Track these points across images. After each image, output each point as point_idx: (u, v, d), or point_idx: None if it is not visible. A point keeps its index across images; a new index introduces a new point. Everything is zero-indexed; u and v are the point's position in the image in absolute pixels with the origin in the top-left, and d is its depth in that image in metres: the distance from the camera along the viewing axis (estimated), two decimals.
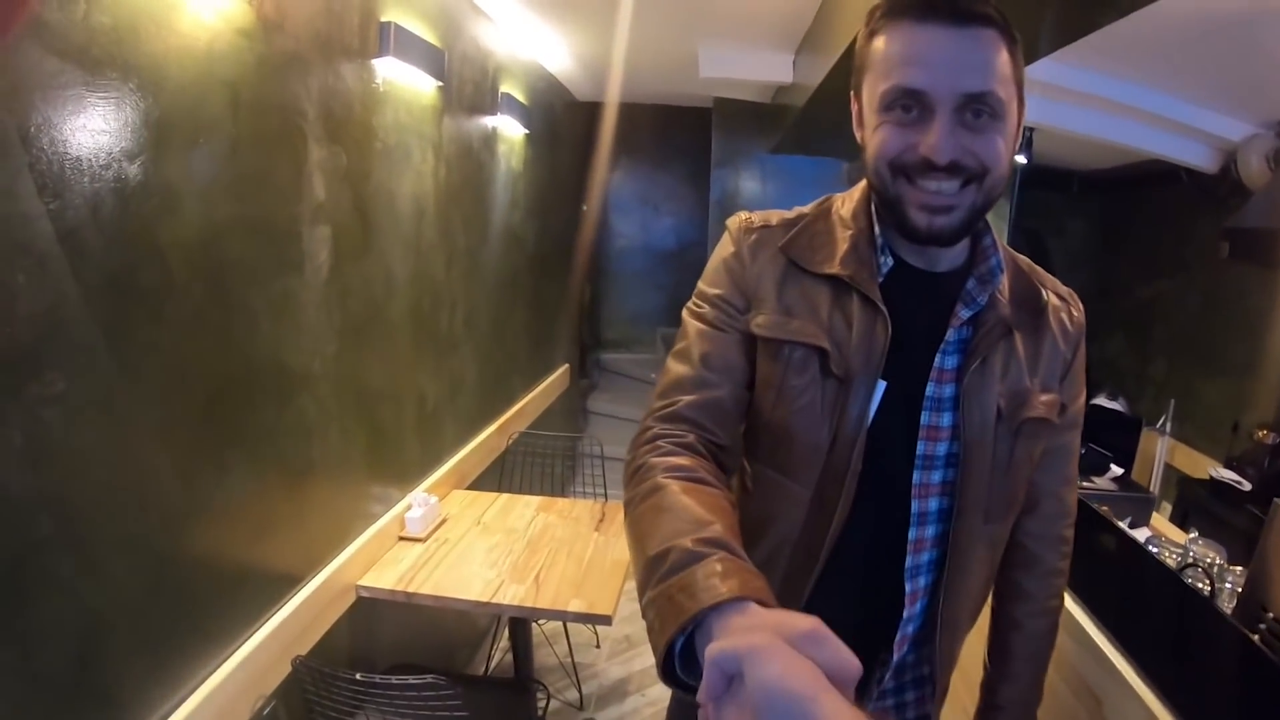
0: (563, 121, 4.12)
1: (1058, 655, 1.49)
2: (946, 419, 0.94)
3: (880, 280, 0.95)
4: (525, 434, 3.20)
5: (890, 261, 0.96)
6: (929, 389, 0.93)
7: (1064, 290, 1.07)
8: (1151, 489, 3.86)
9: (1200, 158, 3.79)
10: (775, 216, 1.04)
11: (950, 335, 0.94)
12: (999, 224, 4.47)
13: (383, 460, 2.08)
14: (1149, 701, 1.29)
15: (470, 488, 2.66)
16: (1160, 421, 3.89)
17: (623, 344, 5.86)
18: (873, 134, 0.89)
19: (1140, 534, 2.09)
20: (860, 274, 0.95)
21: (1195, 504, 3.43)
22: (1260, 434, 3.46)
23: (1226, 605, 1.58)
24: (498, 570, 2.02)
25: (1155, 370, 4.76)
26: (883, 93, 0.86)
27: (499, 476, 2.96)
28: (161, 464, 1.26)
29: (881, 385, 0.93)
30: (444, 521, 2.27)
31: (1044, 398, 0.98)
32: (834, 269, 0.96)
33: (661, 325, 5.92)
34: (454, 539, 2.19)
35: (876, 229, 0.96)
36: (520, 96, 3.08)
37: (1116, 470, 2.58)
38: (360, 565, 1.94)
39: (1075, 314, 1.05)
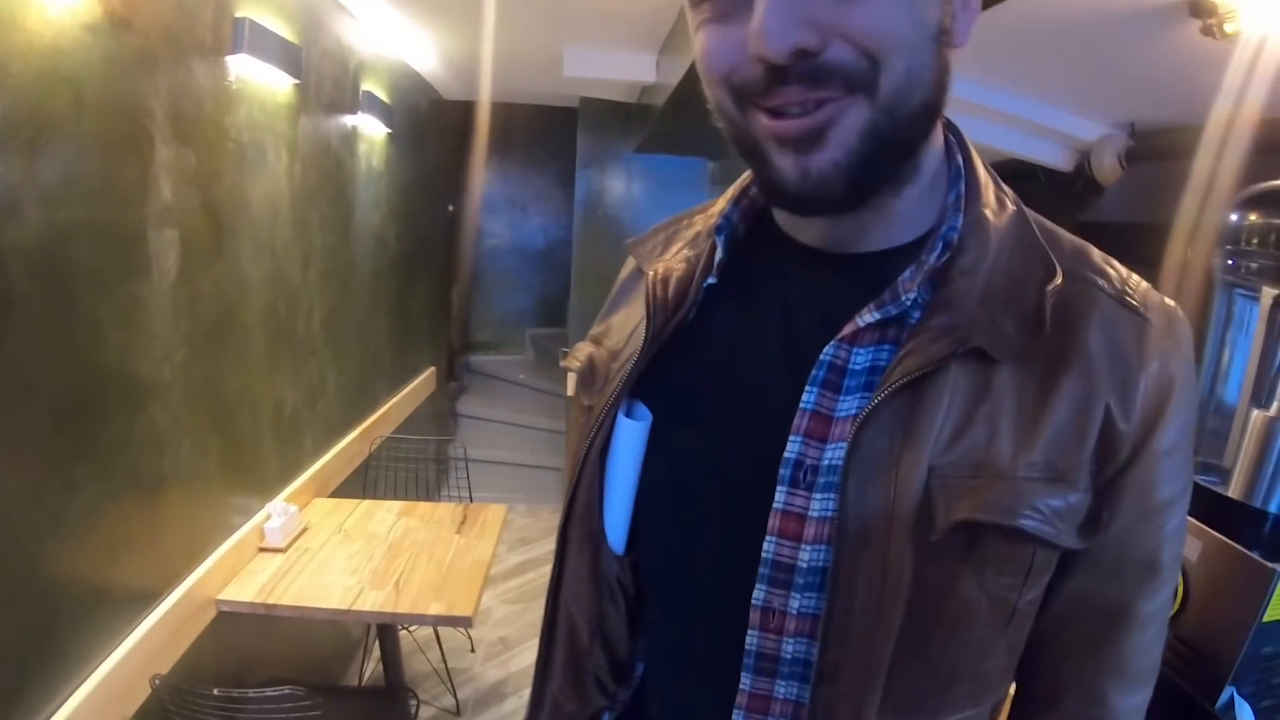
0: (429, 120, 4.07)
1: None
2: (819, 505, 0.55)
3: (716, 267, 0.64)
4: (390, 439, 3.16)
5: (729, 235, 0.64)
6: (791, 447, 0.56)
7: (1157, 306, 0.58)
8: None
9: (1056, 157, 3.94)
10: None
11: (830, 354, 0.56)
12: None
13: (240, 469, 2.02)
14: None
15: (333, 495, 2.60)
16: None
17: (493, 345, 5.83)
18: (695, 43, 0.53)
19: None
20: (668, 263, 0.67)
21: None
22: None
23: None
24: (358, 577, 2.01)
25: None
26: None
27: (363, 483, 2.90)
28: (5, 481, 1.21)
29: (630, 421, 0.63)
30: (305, 530, 2.22)
31: (1030, 488, 0.52)
32: (640, 260, 0.72)
33: (531, 326, 5.94)
34: (315, 548, 2.15)
35: (749, 192, 0.65)
36: (383, 95, 3.03)
37: None
38: (220, 579, 1.88)
39: (1168, 350, 0.56)
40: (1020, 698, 0.64)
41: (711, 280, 0.64)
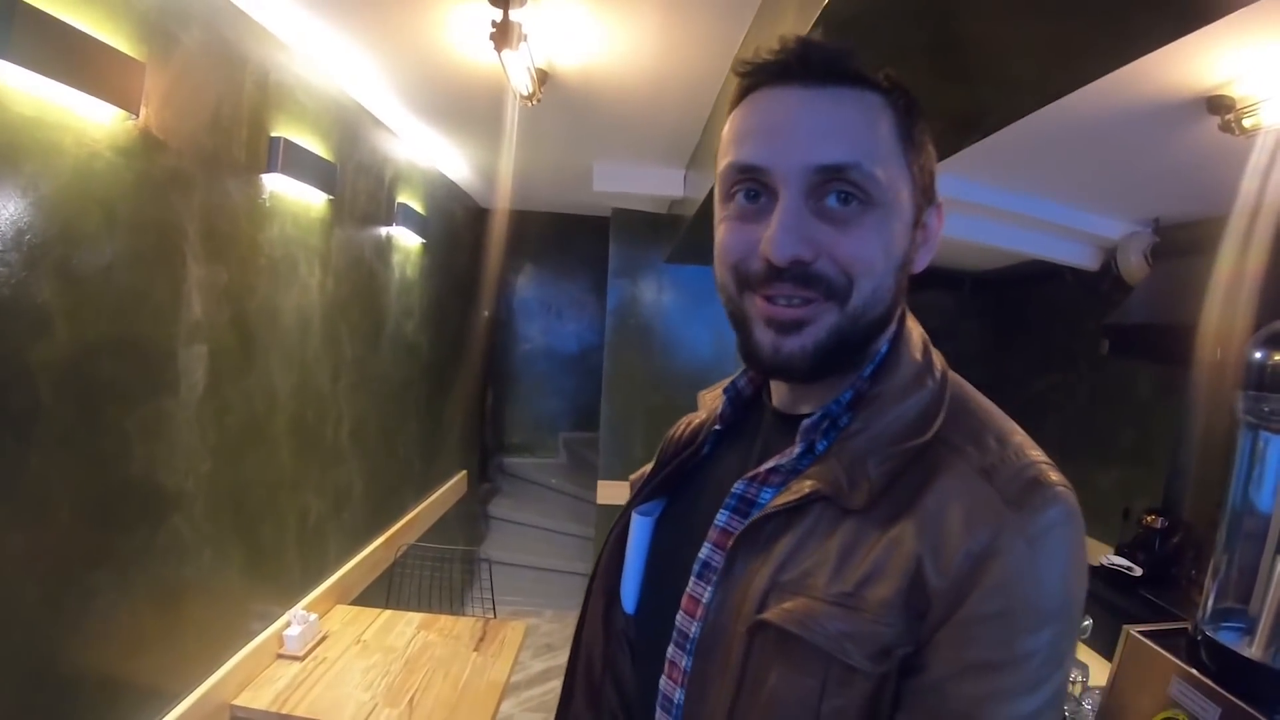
0: (463, 227, 4.22)
1: None
2: (709, 594, 0.70)
3: (720, 417, 0.82)
4: (414, 546, 3.14)
5: (734, 395, 0.82)
6: (703, 551, 0.72)
7: (1021, 482, 0.64)
8: None
9: (1083, 257, 3.97)
10: None
11: (740, 489, 0.72)
12: None
13: (262, 577, 2.02)
14: None
15: (355, 602, 2.58)
16: None
17: (526, 448, 5.84)
18: (716, 233, 0.70)
19: None
20: (703, 411, 0.87)
21: (1088, 592, 3.53)
22: (1149, 519, 3.57)
23: None
24: (373, 692, 1.97)
25: None
26: (720, 175, 0.69)
27: (387, 589, 2.88)
28: (27, 588, 1.23)
29: (641, 518, 0.82)
30: (324, 639, 2.20)
31: (831, 613, 0.61)
32: (701, 405, 0.90)
33: (564, 430, 5.95)
34: (332, 658, 2.12)
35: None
36: (418, 206, 3.15)
37: None
38: (236, 684, 1.87)
39: (1006, 524, 0.60)
40: None
41: (718, 427, 0.83)
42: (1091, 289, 4.13)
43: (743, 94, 0.69)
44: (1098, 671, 1.75)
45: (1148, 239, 3.61)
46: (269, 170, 1.93)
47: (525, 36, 1.84)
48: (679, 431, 0.86)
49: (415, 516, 3.33)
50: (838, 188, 0.63)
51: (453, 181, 3.85)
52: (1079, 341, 4.52)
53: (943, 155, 2.02)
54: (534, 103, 2.24)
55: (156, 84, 1.46)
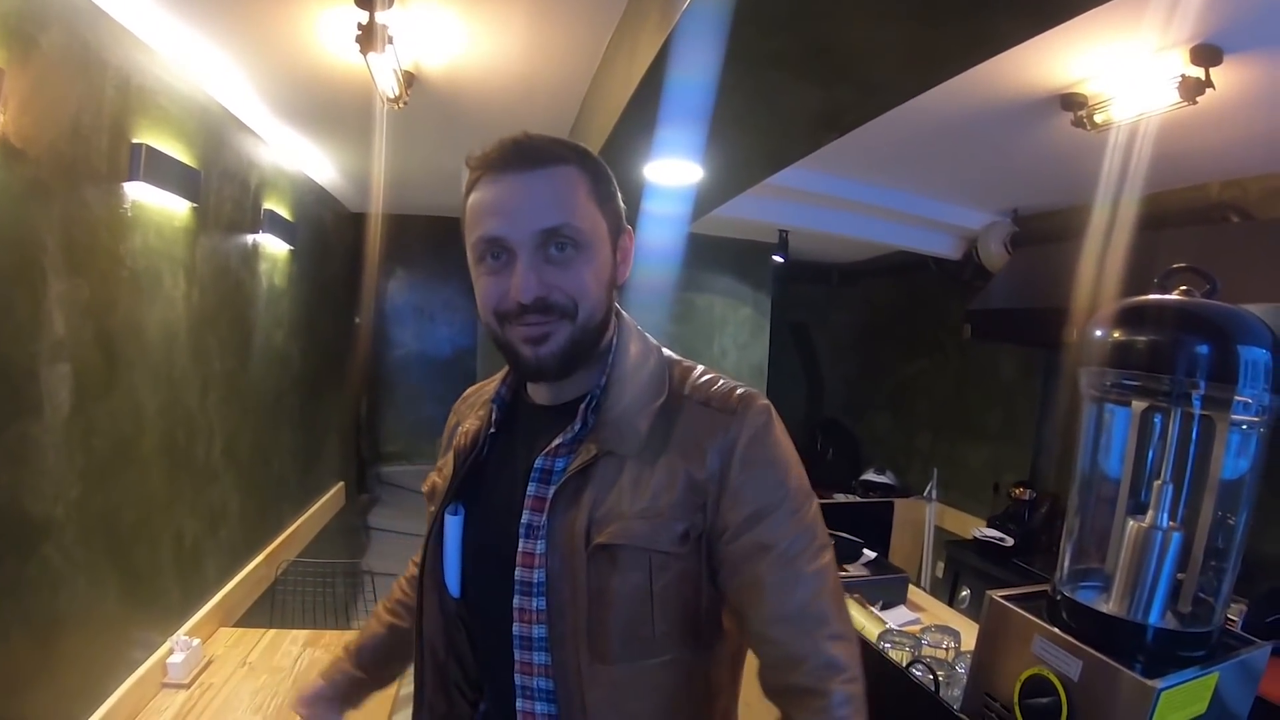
0: (333, 233, 4.08)
1: None
2: (540, 546, 0.92)
3: (494, 421, 1.03)
4: (295, 562, 3.04)
5: (500, 403, 1.04)
6: (524, 517, 0.93)
7: (732, 399, 0.95)
8: (924, 553, 4.20)
9: (946, 247, 4.21)
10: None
11: (540, 464, 0.95)
12: (761, 320, 4.87)
13: (140, 603, 1.92)
14: None
15: (239, 623, 2.48)
16: (927, 489, 4.32)
17: (404, 456, 5.70)
18: (476, 287, 0.93)
19: (894, 614, 2.23)
20: (469, 419, 1.07)
21: (964, 564, 3.69)
22: (1017, 492, 3.82)
23: (959, 691, 1.59)
24: (263, 715, 1.93)
25: (920, 443, 5.15)
26: (472, 245, 0.92)
27: (270, 609, 2.78)
28: None
29: (451, 516, 1.00)
30: (209, 664, 2.11)
31: (638, 525, 0.90)
32: (457, 418, 1.15)
33: (441, 435, 5.85)
34: (219, 683, 2.04)
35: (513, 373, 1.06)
36: (285, 212, 3.05)
37: (869, 554, 2.61)
38: (122, 718, 1.79)
39: (731, 425, 0.93)
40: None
41: (492, 430, 1.04)
42: (954, 277, 4.40)
43: (477, 179, 0.92)
44: (969, 637, 1.87)
45: (1007, 228, 3.88)
46: (130, 179, 1.83)
47: (391, 39, 1.83)
48: (461, 442, 1.04)
49: (294, 532, 3.22)
50: (556, 240, 0.89)
51: (321, 186, 3.73)
52: (944, 328, 4.77)
53: (803, 153, 2.15)
54: (401, 105, 2.22)
55: (15, 90, 1.37)
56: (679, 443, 0.93)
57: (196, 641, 2.06)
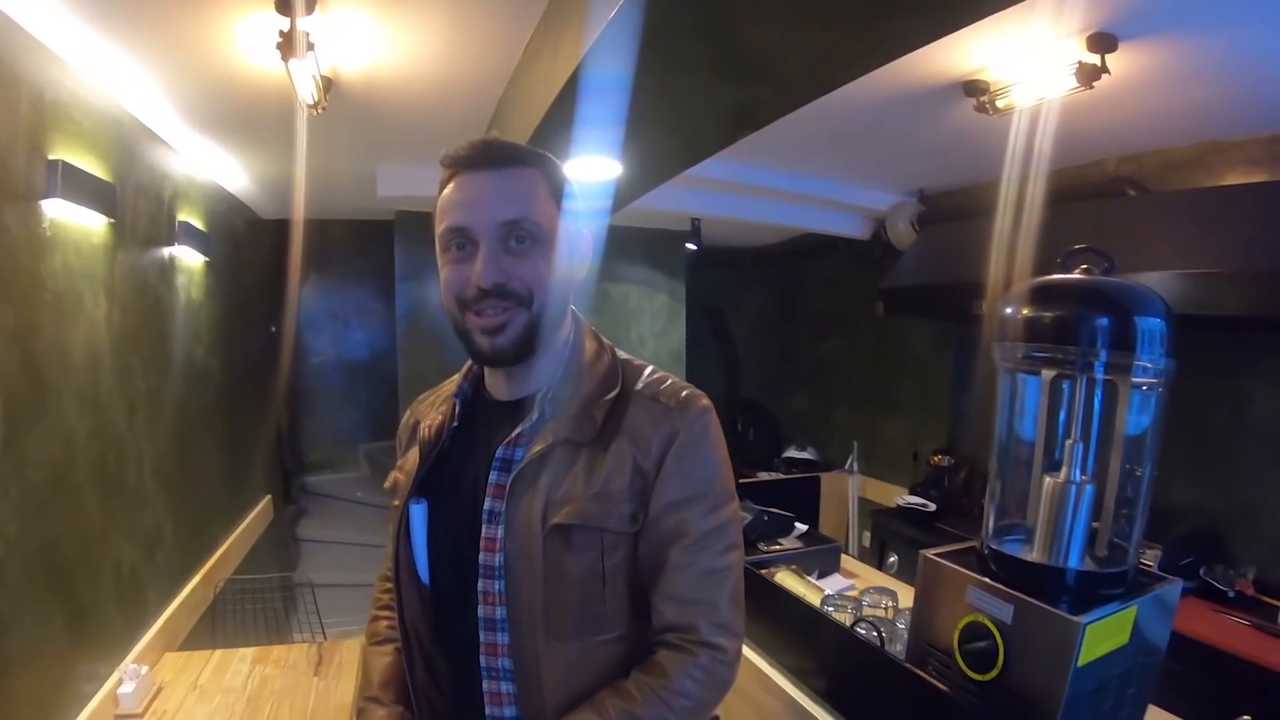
0: (245, 242, 3.95)
1: (771, 717, 1.69)
2: (500, 531, 0.98)
3: (456, 415, 1.09)
4: (231, 580, 2.97)
5: (463, 398, 1.11)
6: (486, 504, 1.00)
7: (677, 399, 1.03)
8: (849, 524, 4.34)
9: (855, 228, 4.34)
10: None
11: (501, 453, 1.02)
12: (676, 306, 4.95)
13: (85, 636, 1.86)
14: None
15: (183, 647, 2.42)
16: (848, 462, 4.47)
17: (327, 465, 5.60)
18: (441, 276, 1.00)
19: (830, 582, 2.33)
20: (430, 415, 1.13)
21: (890, 531, 3.85)
22: (936, 459, 3.99)
23: (902, 645, 1.67)
24: None
25: (838, 418, 5.30)
26: (440, 235, 0.99)
27: (211, 630, 2.71)
28: None
29: (416, 506, 1.06)
30: (159, 691, 2.06)
31: (592, 506, 0.97)
32: (415, 416, 1.19)
33: (364, 441, 5.76)
34: (172, 709, 2.00)
35: (474, 371, 1.13)
36: (199, 223, 2.94)
37: (801, 527, 2.68)
38: None
39: (675, 419, 1.00)
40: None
41: (455, 424, 1.10)
42: (864, 257, 4.54)
43: (450, 177, 0.99)
44: (905, 598, 2.00)
45: (914, 208, 4.01)
46: (47, 196, 1.75)
47: (312, 45, 1.81)
48: (426, 434, 1.10)
49: (228, 550, 3.13)
50: (515, 233, 0.96)
51: (232, 194, 3.60)
52: (857, 306, 4.89)
53: (720, 147, 2.22)
54: (320, 110, 2.19)
55: None
56: (629, 432, 1.00)
57: (145, 669, 2.01)
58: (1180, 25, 1.89)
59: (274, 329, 4.55)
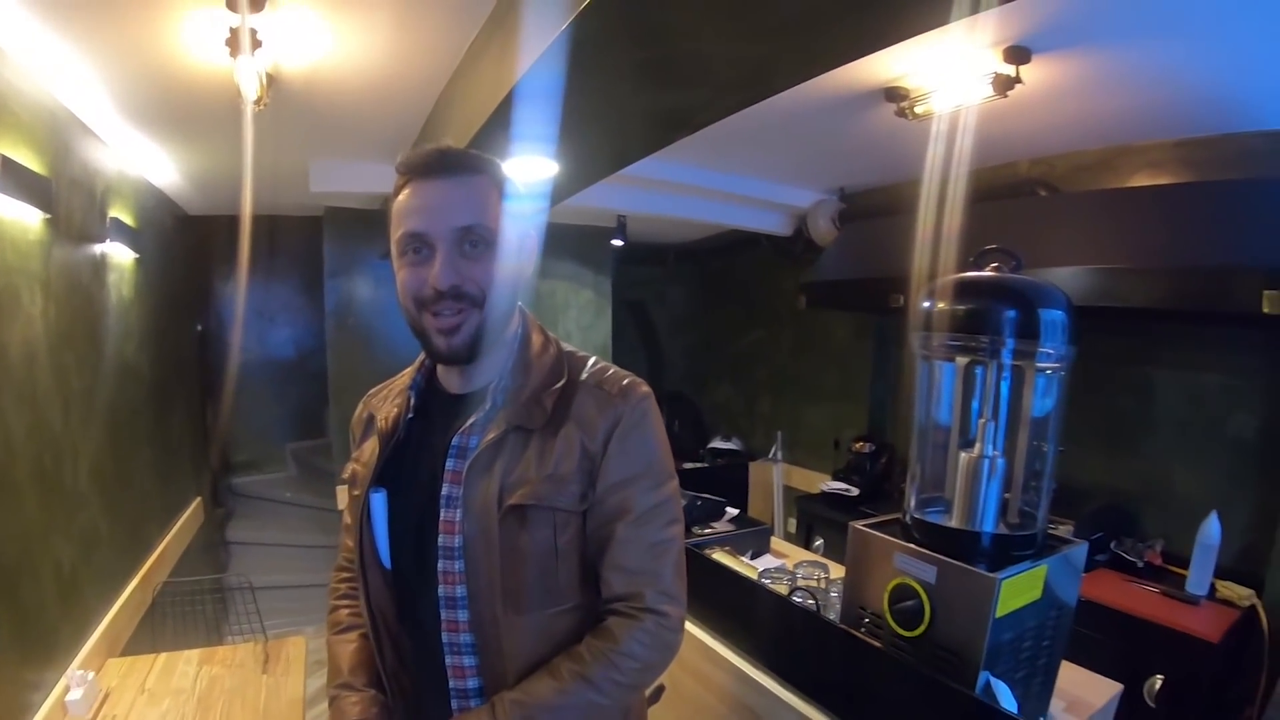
0: (173, 238, 3.84)
1: (717, 686, 1.77)
2: (458, 514, 1.05)
3: (412, 407, 1.16)
4: (168, 583, 2.91)
5: (417, 390, 1.17)
6: (444, 489, 1.07)
7: (617, 387, 1.11)
8: (775, 511, 4.46)
9: (777, 224, 4.45)
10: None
11: (457, 441, 1.09)
12: (602, 301, 5.03)
13: (31, 643, 1.82)
14: (795, 704, 1.54)
15: (125, 653, 2.37)
16: (772, 451, 4.59)
17: (254, 465, 5.47)
18: (398, 278, 1.06)
19: (762, 562, 2.42)
20: (385, 408, 1.19)
21: (815, 515, 3.98)
22: (858, 446, 4.12)
23: (836, 612, 1.79)
24: None
25: (762, 408, 5.42)
26: (397, 240, 1.05)
27: (151, 634, 2.65)
28: None
29: (376, 495, 1.12)
30: (106, 696, 2.03)
31: (545, 487, 1.04)
32: (369, 409, 1.24)
33: (290, 440, 5.65)
34: (122, 714, 1.97)
35: (427, 365, 1.20)
36: (129, 219, 2.87)
37: (733, 511, 2.77)
38: None
39: (618, 405, 1.09)
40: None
41: (410, 415, 1.16)
42: (786, 252, 4.68)
43: (405, 183, 1.05)
44: (835, 572, 2.14)
45: (835, 206, 4.14)
46: None
47: (260, 42, 1.81)
48: (384, 426, 1.16)
49: (163, 552, 3.06)
50: (469, 238, 1.02)
51: (160, 190, 3.51)
52: (779, 299, 5.04)
53: (656, 148, 2.29)
54: (261, 107, 2.18)
55: None
56: (576, 419, 1.08)
57: (92, 675, 1.98)
58: (1091, 39, 2.02)
59: (200, 327, 4.43)
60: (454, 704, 1.10)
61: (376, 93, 2.41)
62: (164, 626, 2.74)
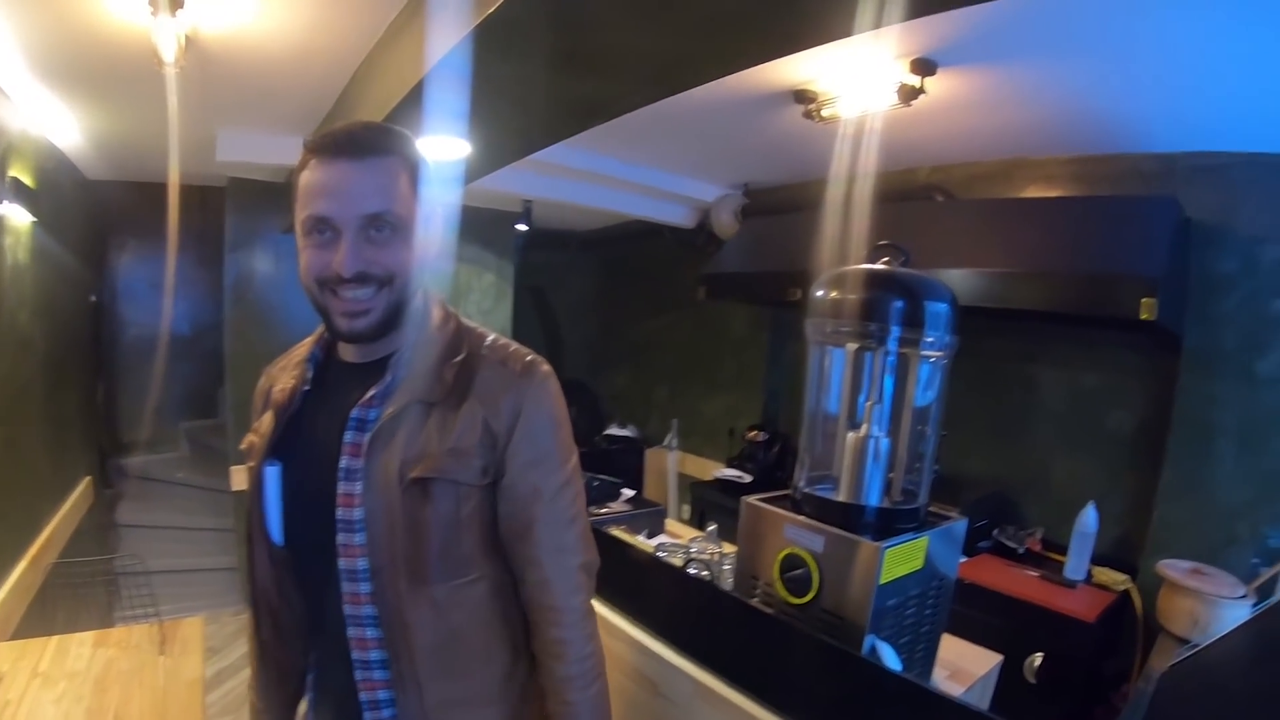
0: (72, 205, 3.67)
1: (616, 658, 1.77)
2: (359, 487, 1.05)
3: (308, 380, 1.15)
4: (59, 564, 2.82)
5: (315, 362, 1.16)
6: (342, 462, 1.06)
7: (520, 364, 1.13)
8: (668, 497, 4.55)
9: (680, 216, 4.52)
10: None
11: (356, 414, 1.08)
12: (504, 285, 5.01)
13: None
14: (692, 671, 1.55)
15: (15, 637, 2.29)
16: (667, 439, 4.68)
17: (146, 445, 5.21)
18: (301, 255, 1.05)
19: (658, 540, 2.42)
20: (283, 379, 1.18)
21: (708, 501, 4.04)
22: (752, 435, 4.21)
23: (729, 581, 1.81)
24: None
25: (659, 396, 5.46)
26: (302, 221, 1.03)
27: (41, 617, 2.57)
28: None
29: (270, 468, 1.11)
30: None
31: (448, 460, 1.05)
32: (269, 381, 1.23)
33: (184, 419, 5.43)
34: (15, 698, 1.91)
35: (326, 337, 1.18)
36: (29, 180, 2.74)
37: (629, 492, 2.78)
38: None
39: (521, 385, 1.11)
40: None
41: (306, 388, 1.15)
42: (688, 244, 4.75)
43: (311, 159, 1.03)
44: (728, 548, 2.14)
45: (738, 200, 4.23)
46: None
47: (184, 3, 1.78)
48: (280, 398, 1.15)
49: (53, 532, 2.95)
50: (377, 223, 1.01)
51: (61, 151, 3.35)
52: (679, 289, 5.06)
53: (568, 134, 2.35)
54: (177, 70, 2.13)
55: None
56: (479, 393, 1.08)
57: None
58: (995, 57, 2.13)
59: (94, 298, 4.24)
60: (357, 674, 1.10)
61: (294, 63, 2.37)
62: (55, 610, 2.66)
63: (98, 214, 4.01)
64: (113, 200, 4.22)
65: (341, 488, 1.05)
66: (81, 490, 3.63)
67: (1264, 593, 2.26)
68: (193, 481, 4.96)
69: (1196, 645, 1.73)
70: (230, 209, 4.09)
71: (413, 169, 1.06)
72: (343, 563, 1.06)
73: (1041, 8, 1.85)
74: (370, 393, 1.08)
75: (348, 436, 1.07)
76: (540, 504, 1.11)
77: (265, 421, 1.16)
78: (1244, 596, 2.20)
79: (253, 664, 1.27)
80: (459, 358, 1.10)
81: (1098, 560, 2.72)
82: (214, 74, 2.43)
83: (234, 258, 4.11)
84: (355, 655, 1.09)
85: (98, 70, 2.39)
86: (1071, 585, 2.64)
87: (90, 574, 2.85)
